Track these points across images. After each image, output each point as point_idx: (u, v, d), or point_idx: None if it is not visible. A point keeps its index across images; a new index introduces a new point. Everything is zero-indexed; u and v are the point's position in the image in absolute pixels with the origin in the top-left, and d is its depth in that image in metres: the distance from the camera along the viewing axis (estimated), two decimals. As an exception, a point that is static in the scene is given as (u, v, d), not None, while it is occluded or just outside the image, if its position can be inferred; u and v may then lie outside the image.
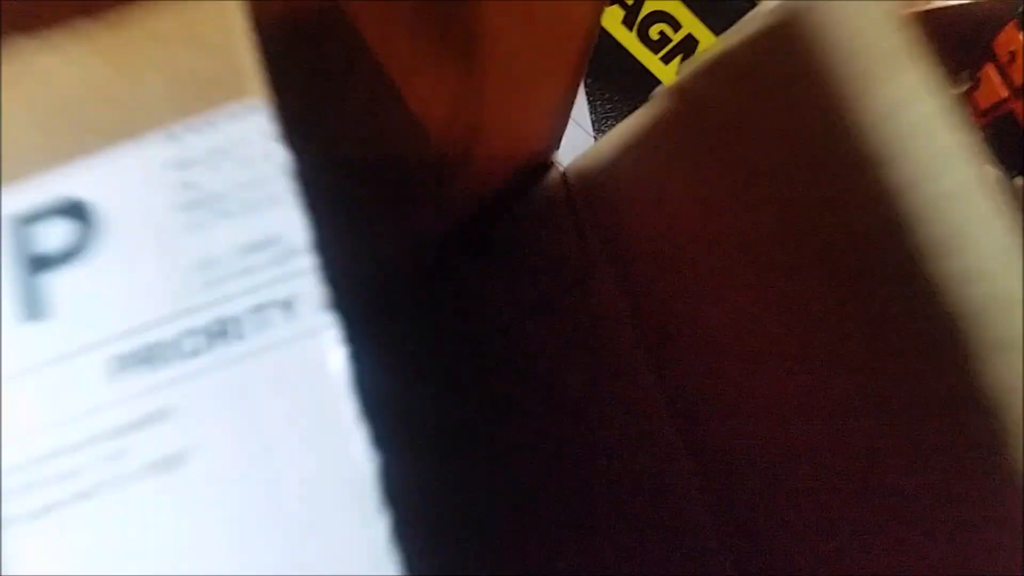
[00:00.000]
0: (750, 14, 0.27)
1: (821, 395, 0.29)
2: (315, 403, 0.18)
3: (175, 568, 0.17)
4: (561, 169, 0.38)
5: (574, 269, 0.37)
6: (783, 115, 0.27)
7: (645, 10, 0.55)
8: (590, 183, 0.37)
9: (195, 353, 0.18)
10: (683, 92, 0.31)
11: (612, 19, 0.57)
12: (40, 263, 0.19)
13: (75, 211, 0.19)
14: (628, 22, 0.58)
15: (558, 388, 0.40)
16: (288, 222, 0.19)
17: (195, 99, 0.20)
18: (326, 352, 0.18)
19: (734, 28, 0.28)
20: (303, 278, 0.19)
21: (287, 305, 0.19)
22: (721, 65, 0.29)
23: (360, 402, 0.18)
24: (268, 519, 0.18)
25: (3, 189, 0.19)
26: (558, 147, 0.38)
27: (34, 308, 0.19)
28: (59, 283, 0.19)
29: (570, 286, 0.37)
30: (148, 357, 0.18)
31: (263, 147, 0.19)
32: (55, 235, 0.19)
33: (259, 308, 0.19)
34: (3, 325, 0.19)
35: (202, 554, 0.17)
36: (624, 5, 0.57)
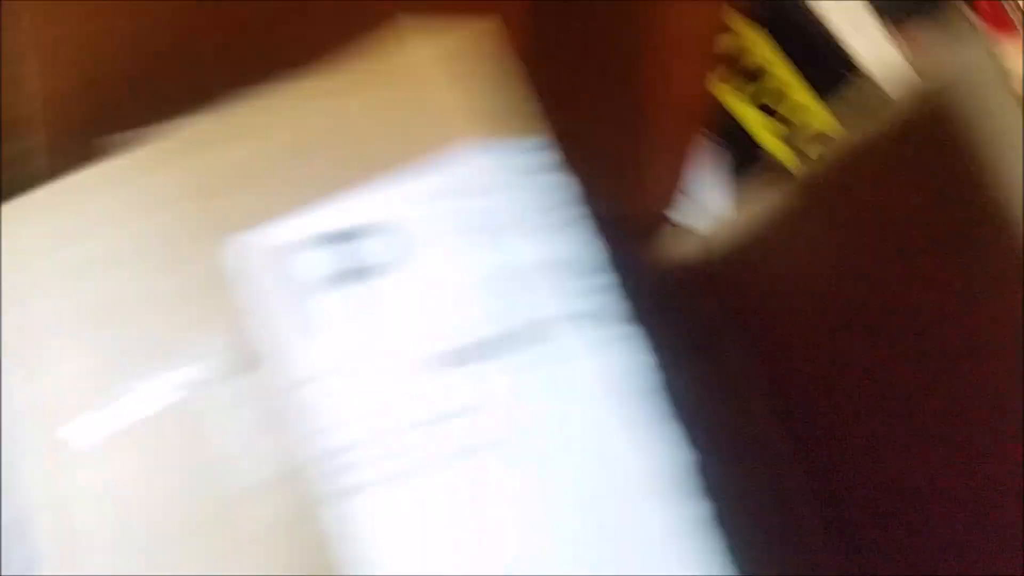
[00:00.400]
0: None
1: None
2: (626, 402, 0.20)
3: (495, 540, 0.19)
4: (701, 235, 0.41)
5: (707, 331, 0.39)
6: (931, 196, 0.30)
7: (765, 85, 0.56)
8: (729, 252, 0.40)
9: (507, 353, 0.21)
10: (827, 177, 0.35)
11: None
12: (358, 274, 0.21)
13: (384, 230, 0.22)
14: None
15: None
16: (583, 244, 0.22)
17: (491, 130, 0.22)
18: (631, 358, 0.20)
19: (869, 113, 0.32)
20: (603, 294, 0.21)
21: (594, 316, 0.21)
22: (864, 150, 0.32)
23: (664, 403, 0.20)
24: (576, 504, 0.19)
25: (313, 214, 0.22)
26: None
27: (357, 312, 0.21)
28: (377, 290, 0.21)
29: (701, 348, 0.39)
30: (466, 354, 0.21)
31: (552, 178, 0.22)
32: (370, 251, 0.22)
33: (568, 317, 0.21)
34: (332, 328, 0.21)
35: (510, 532, 0.19)
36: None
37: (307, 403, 0.20)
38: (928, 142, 0.29)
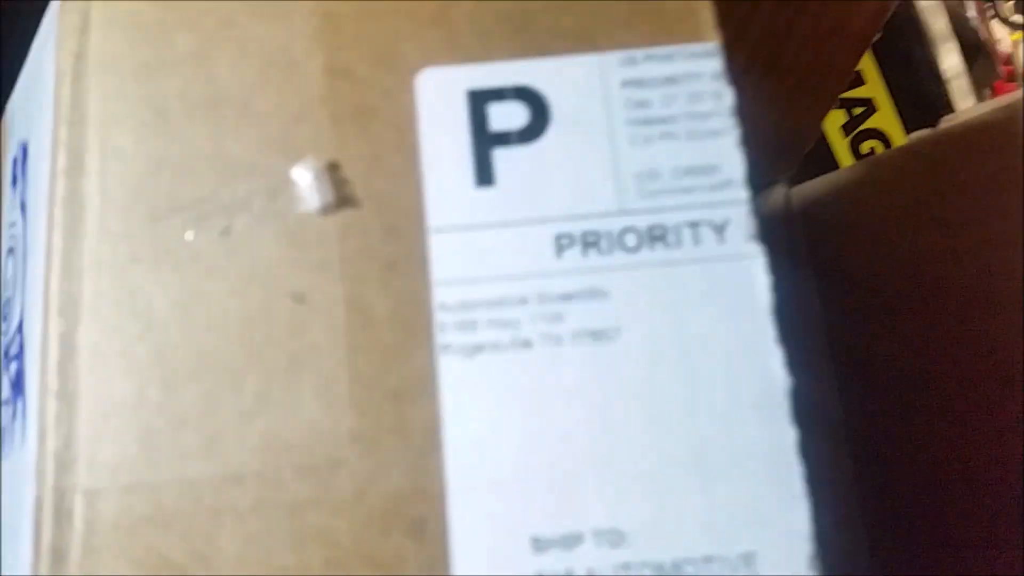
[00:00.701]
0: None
1: None
2: (739, 318, 0.20)
3: (588, 426, 0.20)
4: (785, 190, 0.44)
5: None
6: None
7: (866, 124, 0.61)
8: (810, 208, 0.42)
9: (633, 248, 0.21)
10: (912, 151, 0.37)
11: (833, 121, 0.63)
12: (495, 138, 0.21)
13: (532, 99, 0.22)
14: (847, 128, 0.63)
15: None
16: (728, 155, 0.21)
17: (655, 31, 0.22)
18: (753, 277, 0.21)
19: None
20: (737, 207, 0.21)
21: (720, 228, 0.21)
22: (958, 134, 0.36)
23: (779, 327, 0.20)
24: (680, 408, 0.20)
25: (469, 67, 0.22)
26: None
27: (486, 175, 0.21)
28: (511, 158, 0.21)
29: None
30: (590, 241, 0.21)
31: (714, 86, 0.22)
32: (512, 115, 0.22)
33: (694, 224, 0.21)
34: (458, 186, 0.21)
35: (613, 421, 0.20)
36: (849, 112, 0.62)
37: (435, 252, 0.20)
38: None
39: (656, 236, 0.21)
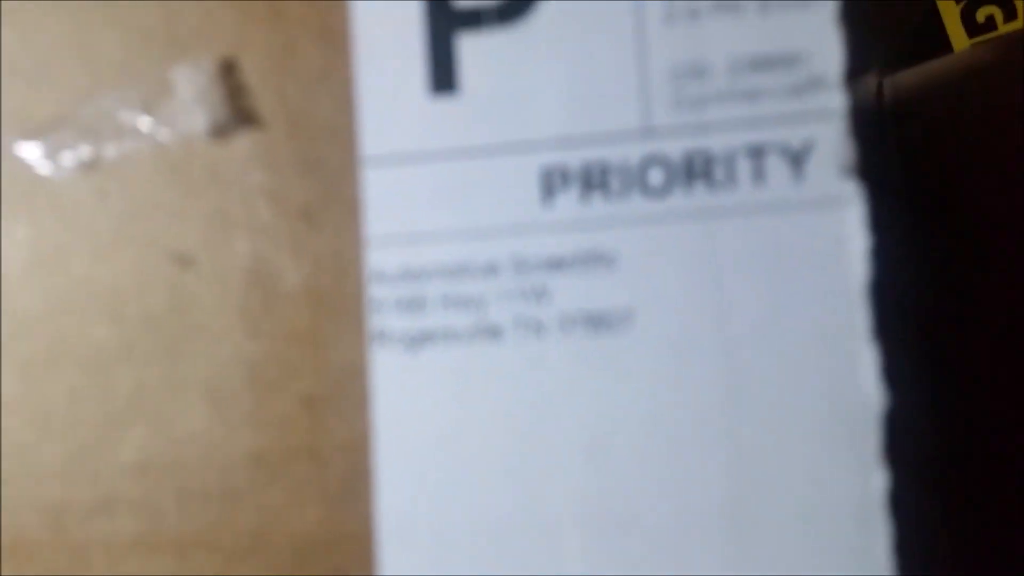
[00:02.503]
0: None
1: None
2: (816, 302, 0.13)
3: (578, 455, 0.14)
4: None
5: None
6: None
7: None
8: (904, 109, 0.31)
9: (660, 191, 0.14)
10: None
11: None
12: (461, 19, 0.14)
13: None
14: (960, -8, 0.48)
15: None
16: (820, 36, 0.14)
17: None
18: (843, 237, 0.13)
19: None
20: (826, 123, 0.13)
21: (798, 157, 0.14)
22: None
23: (876, 316, 0.13)
24: (714, 434, 0.13)
25: None
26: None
27: (445, 77, 0.14)
28: (482, 50, 0.14)
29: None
30: (595, 180, 0.14)
31: None
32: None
33: (756, 151, 0.14)
34: (405, 94, 0.14)
35: (615, 447, 0.14)
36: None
37: (371, 194, 0.14)
38: None
39: (696, 170, 0.14)
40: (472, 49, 0.14)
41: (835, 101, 0.13)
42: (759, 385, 0.13)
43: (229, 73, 0.14)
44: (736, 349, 0.13)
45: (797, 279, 0.13)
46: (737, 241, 0.13)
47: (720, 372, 0.13)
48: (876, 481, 0.13)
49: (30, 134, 0.15)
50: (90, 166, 0.15)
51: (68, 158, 0.15)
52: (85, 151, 0.15)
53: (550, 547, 0.14)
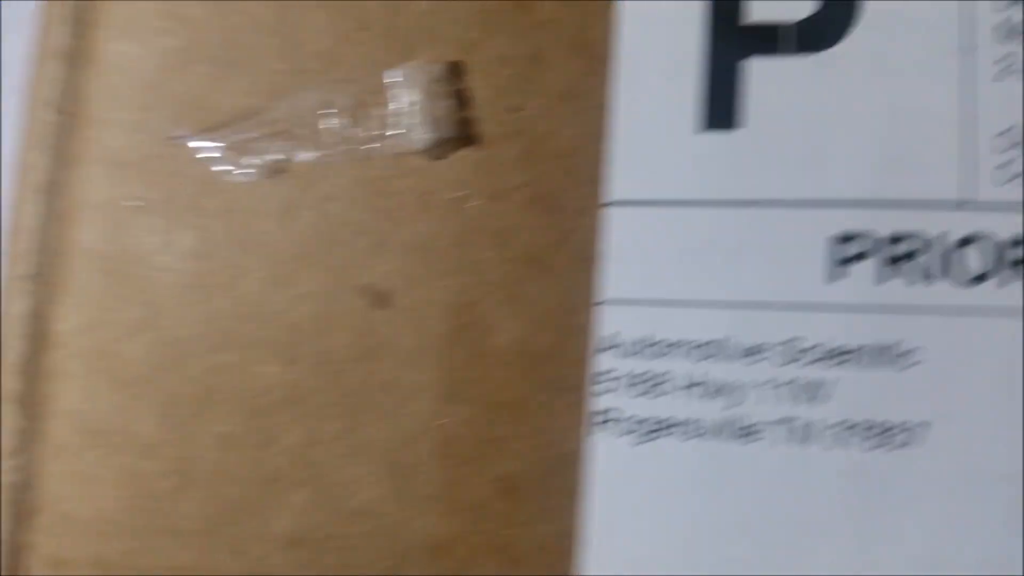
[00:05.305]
0: None
1: None
2: None
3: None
4: None
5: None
6: None
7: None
8: None
9: (975, 279, 0.11)
10: None
11: None
12: (752, 38, 0.12)
13: None
14: None
15: None
16: None
17: None
18: None
19: None
20: None
21: None
22: None
23: None
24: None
25: None
26: None
27: (723, 110, 0.12)
28: (774, 79, 0.12)
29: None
30: (899, 254, 0.11)
31: None
32: None
33: None
34: (668, 127, 0.12)
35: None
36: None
37: (612, 246, 0.12)
38: None
39: (1001, 257, 0.11)
40: (761, 78, 0.12)
41: None
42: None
43: (456, 80, 0.12)
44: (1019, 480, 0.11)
45: None
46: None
47: (1003, 506, 0.11)
48: None
49: (211, 128, 0.12)
50: (277, 172, 0.12)
51: (253, 160, 0.12)
52: (274, 154, 0.12)
53: None
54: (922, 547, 0.11)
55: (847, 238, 0.11)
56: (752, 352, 0.11)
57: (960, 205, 0.11)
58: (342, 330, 0.12)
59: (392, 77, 0.12)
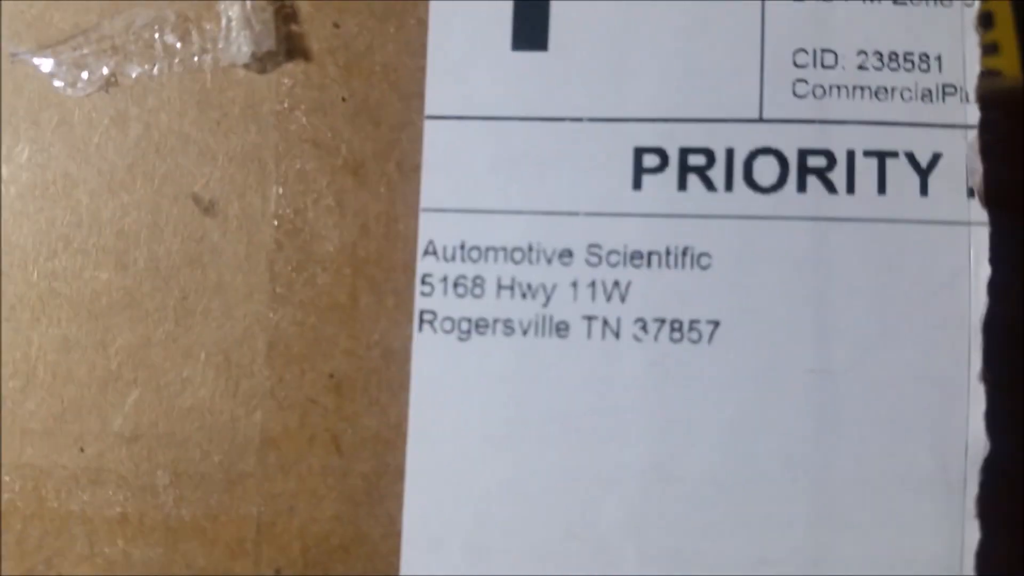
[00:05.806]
0: None
1: None
2: (926, 332, 0.12)
3: (645, 485, 0.12)
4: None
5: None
6: None
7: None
8: None
9: (769, 188, 0.12)
10: None
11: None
12: None
13: None
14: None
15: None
16: (955, 36, 0.12)
17: None
18: (962, 262, 0.12)
19: None
20: (956, 135, 0.12)
21: (925, 169, 0.12)
22: None
23: (989, 355, 0.12)
24: (797, 466, 0.12)
25: None
26: None
27: (531, 31, 0.12)
28: (580, 5, 0.12)
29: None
30: (695, 165, 0.12)
31: None
32: None
33: (880, 155, 0.12)
34: (483, 45, 0.12)
35: (690, 459, 0.12)
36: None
37: (428, 156, 0.12)
38: None
39: (812, 169, 0.12)
40: (567, 3, 0.12)
41: (970, 114, 0.12)
42: (853, 420, 0.12)
43: (281, -4, 0.12)
44: (832, 376, 0.12)
45: (908, 304, 0.12)
46: (848, 253, 0.12)
47: (811, 400, 0.12)
48: (969, 536, 0.12)
49: (44, 45, 0.13)
50: (110, 86, 0.13)
51: (85, 75, 0.13)
52: (105, 68, 0.13)
53: (599, 569, 0.12)
54: (720, 435, 0.12)
55: (647, 150, 0.12)
56: (561, 255, 0.12)
57: (753, 119, 0.12)
58: (172, 236, 0.12)
59: (220, -9, 0.12)
